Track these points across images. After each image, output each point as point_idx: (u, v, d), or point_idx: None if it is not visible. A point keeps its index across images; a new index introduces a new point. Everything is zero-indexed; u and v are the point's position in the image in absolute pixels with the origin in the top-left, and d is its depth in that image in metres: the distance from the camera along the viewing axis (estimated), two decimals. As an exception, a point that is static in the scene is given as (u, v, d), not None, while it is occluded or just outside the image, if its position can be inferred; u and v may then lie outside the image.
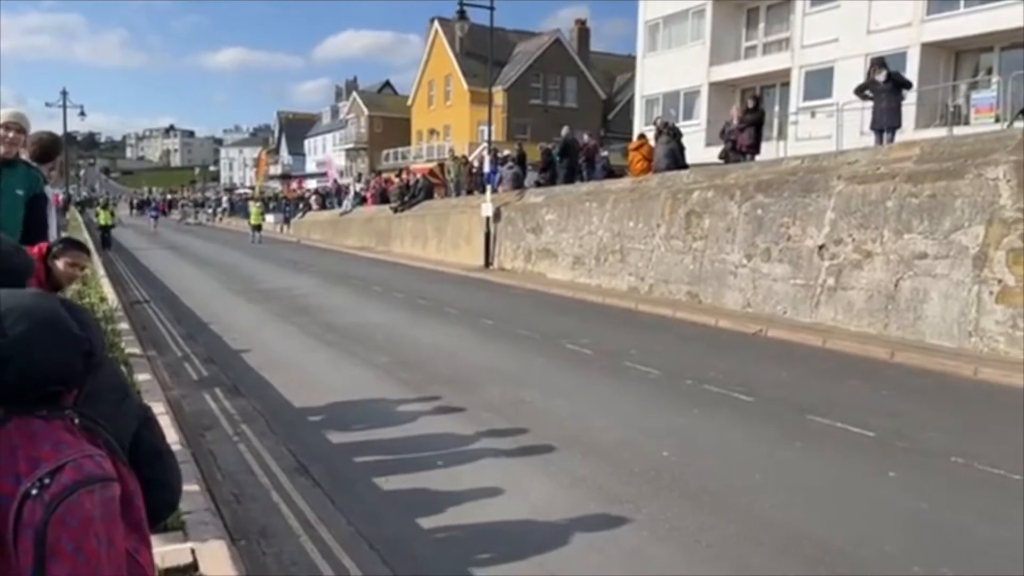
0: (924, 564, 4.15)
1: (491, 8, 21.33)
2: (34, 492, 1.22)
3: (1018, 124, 11.12)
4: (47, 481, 1.23)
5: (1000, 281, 9.15)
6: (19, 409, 1.31)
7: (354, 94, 63.40)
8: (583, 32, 48.33)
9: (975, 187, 9.60)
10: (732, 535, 4.53)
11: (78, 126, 73.95)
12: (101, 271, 14.98)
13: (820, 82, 22.91)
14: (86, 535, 1.24)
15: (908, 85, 13.34)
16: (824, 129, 20.42)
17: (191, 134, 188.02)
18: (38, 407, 1.34)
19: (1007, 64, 19.13)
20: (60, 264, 4.59)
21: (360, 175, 46.48)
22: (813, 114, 22.19)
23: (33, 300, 1.43)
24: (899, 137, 13.55)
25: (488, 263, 19.45)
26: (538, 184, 20.46)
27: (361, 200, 32.12)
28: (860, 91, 13.75)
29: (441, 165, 28.79)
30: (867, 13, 21.48)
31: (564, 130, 20.74)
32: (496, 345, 10.31)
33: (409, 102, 54.31)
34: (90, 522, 1.25)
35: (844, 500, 5.09)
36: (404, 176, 29.94)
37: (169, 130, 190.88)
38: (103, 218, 29.08)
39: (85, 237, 23.82)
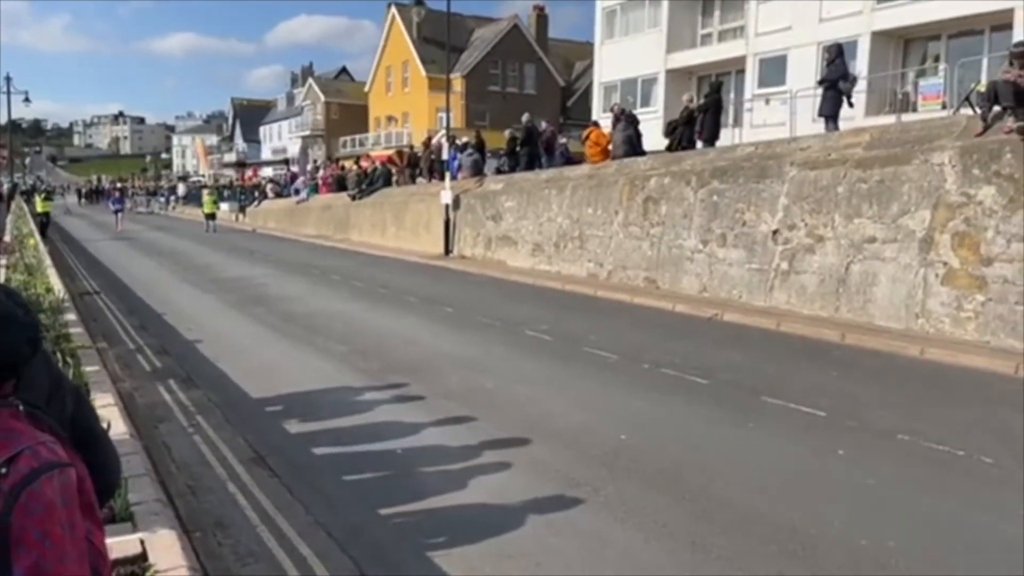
0: (870, 537, 4.28)
1: (448, -7, 21.13)
2: None
3: (964, 111, 11.41)
4: (3, 471, 1.21)
5: (945, 264, 9.43)
6: None
7: (310, 80, 62.40)
8: (541, 18, 48.24)
9: (922, 172, 9.85)
10: (687, 515, 4.62)
11: (23, 112, 71.64)
12: (47, 260, 14.55)
13: (774, 69, 23.22)
14: (50, 521, 1.22)
15: (837, 81, 13.40)
16: (778, 116, 20.73)
17: (141, 121, 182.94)
18: None
19: (954, 52, 19.61)
20: None
21: (316, 162, 45.76)
22: (767, 101, 22.51)
23: None
24: (850, 124, 13.79)
25: (448, 251, 19.38)
26: (499, 171, 20.40)
27: (315, 187, 31.68)
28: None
29: (400, 152, 28.51)
30: (819, 2, 21.81)
31: (524, 117, 20.67)
32: (456, 333, 10.30)
33: (366, 88, 53.65)
34: (53, 508, 1.23)
35: (795, 478, 5.22)
36: (363, 163, 29.59)
37: (118, 117, 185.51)
38: (41, 206, 29.42)
39: (31, 227, 23.14)
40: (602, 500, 4.82)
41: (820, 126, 13.98)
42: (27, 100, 39.77)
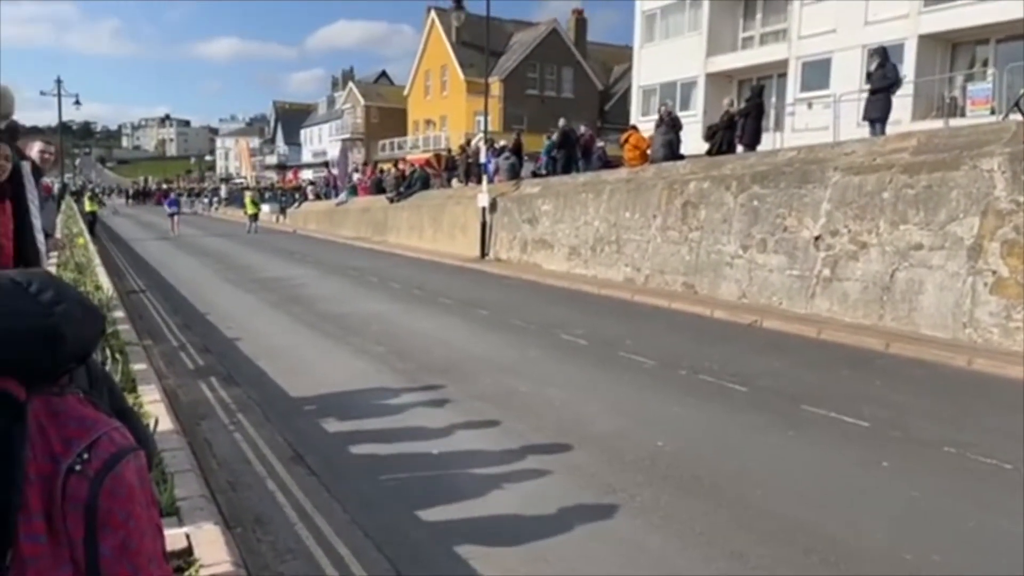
0: (915, 552, 4.18)
1: (488, -3, 21.21)
2: (77, 468, 1.25)
3: (1013, 116, 11.12)
4: (86, 456, 1.26)
5: (994, 272, 9.18)
6: (36, 389, 1.33)
7: (350, 84, 63.14)
8: (580, 22, 48.19)
9: (970, 178, 9.62)
10: (725, 523, 4.56)
11: (73, 115, 73.36)
12: (96, 259, 14.93)
13: (817, 73, 22.87)
14: (132, 502, 1.29)
15: (888, 88, 13.15)
16: (821, 120, 20.42)
17: (187, 123, 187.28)
18: (49, 385, 1.35)
19: (1003, 56, 19.12)
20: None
21: (357, 165, 46.29)
22: (810, 105, 22.17)
23: (53, 277, 1.44)
24: (896, 128, 13.52)
25: (484, 254, 19.44)
26: (535, 174, 20.42)
27: (354, 190, 32.07)
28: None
29: (438, 156, 28.70)
30: (864, 4, 21.44)
31: (561, 121, 20.70)
32: (491, 335, 10.32)
33: (405, 92, 54.12)
34: (134, 490, 1.29)
35: (837, 489, 5.12)
36: (401, 166, 29.86)
37: (165, 119, 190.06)
38: (88, 206, 30.48)
39: (81, 226, 23.77)
40: (638, 506, 4.79)
41: (864, 130, 13.76)
42: (77, 103, 40.83)
